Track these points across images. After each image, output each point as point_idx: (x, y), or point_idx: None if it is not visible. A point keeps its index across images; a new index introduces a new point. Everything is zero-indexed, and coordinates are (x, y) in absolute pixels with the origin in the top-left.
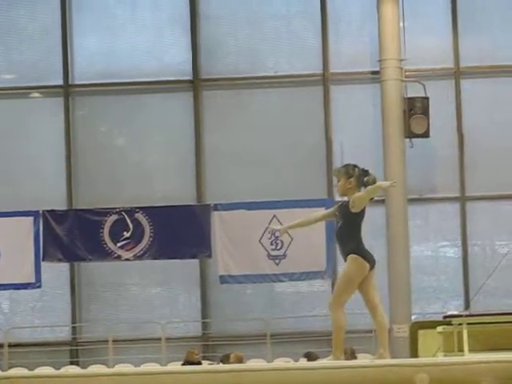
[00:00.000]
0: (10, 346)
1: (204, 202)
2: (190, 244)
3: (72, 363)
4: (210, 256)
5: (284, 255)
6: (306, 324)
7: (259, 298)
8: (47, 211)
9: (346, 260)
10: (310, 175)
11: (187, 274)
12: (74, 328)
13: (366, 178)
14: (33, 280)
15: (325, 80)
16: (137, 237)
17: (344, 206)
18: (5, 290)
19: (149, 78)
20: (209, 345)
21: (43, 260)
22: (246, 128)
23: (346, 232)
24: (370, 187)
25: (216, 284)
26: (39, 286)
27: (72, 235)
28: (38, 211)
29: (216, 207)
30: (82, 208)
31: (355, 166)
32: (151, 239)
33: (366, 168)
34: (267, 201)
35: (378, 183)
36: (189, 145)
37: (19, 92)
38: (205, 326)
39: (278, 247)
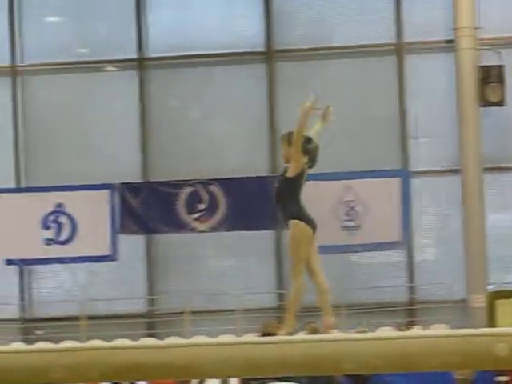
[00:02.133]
0: (87, 318)
1: (278, 173)
2: (265, 215)
3: (148, 335)
4: (283, 228)
5: (359, 226)
6: (382, 295)
7: (334, 270)
8: (122, 184)
9: (287, 225)
10: (385, 145)
11: (262, 245)
12: (150, 300)
13: (309, 146)
14: (109, 252)
15: (398, 50)
16: (211, 208)
17: (283, 172)
18: (82, 262)
19: (221, 50)
20: (284, 316)
21: (119, 232)
22: (320, 98)
23: (286, 198)
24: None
25: None
26: (115, 259)
27: (147, 208)
28: (113, 184)
29: None
30: (156, 180)
31: None
32: (226, 211)
33: (309, 136)
34: (340, 172)
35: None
36: (262, 116)
37: (93, 66)
38: (280, 297)
39: (353, 218)
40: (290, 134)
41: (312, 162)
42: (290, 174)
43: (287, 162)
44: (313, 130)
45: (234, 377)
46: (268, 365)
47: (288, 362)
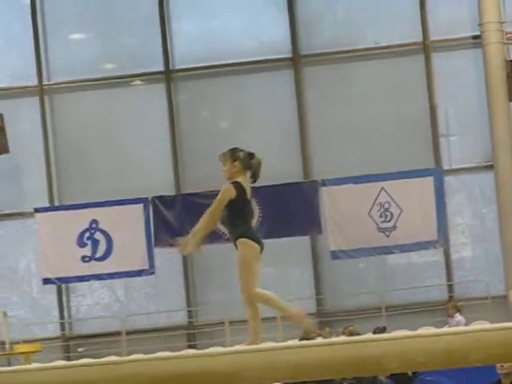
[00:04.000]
0: (128, 333)
1: (311, 179)
2: (300, 221)
3: (189, 347)
4: (320, 232)
5: (394, 227)
6: (420, 295)
7: (372, 272)
8: (156, 197)
9: (236, 246)
10: (416, 145)
11: (299, 251)
12: (189, 312)
13: (251, 161)
14: (146, 267)
15: (425, 48)
16: None
17: None
18: (119, 278)
19: (248, 58)
20: (324, 321)
21: (155, 246)
22: (349, 101)
23: (231, 217)
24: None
25: (328, 260)
26: (153, 273)
27: (182, 220)
28: (146, 198)
29: (324, 183)
30: (189, 192)
31: (240, 150)
32: (260, 219)
33: (251, 151)
34: (374, 173)
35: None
36: (292, 122)
37: (120, 81)
38: (319, 302)
39: (388, 219)
40: (231, 151)
41: (255, 176)
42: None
43: (230, 179)
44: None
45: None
46: (312, 368)
47: (332, 364)
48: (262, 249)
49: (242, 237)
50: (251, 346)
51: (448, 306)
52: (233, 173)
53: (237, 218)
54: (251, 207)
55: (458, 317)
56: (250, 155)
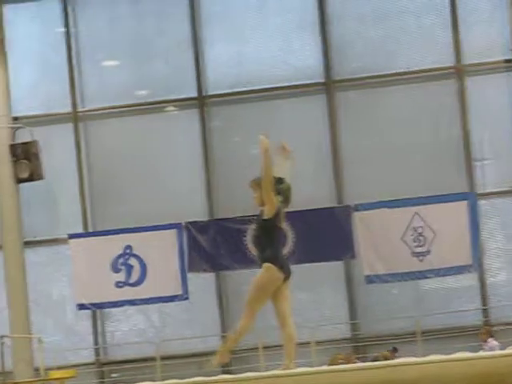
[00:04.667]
0: (162, 358)
1: (344, 203)
2: (333, 246)
3: (224, 372)
4: (353, 257)
5: (428, 251)
6: (456, 319)
7: (406, 296)
8: (189, 223)
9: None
10: (450, 169)
11: (332, 275)
12: (223, 337)
13: (281, 186)
14: (180, 292)
15: (458, 72)
16: None
17: (259, 215)
18: (153, 303)
19: (281, 83)
20: (359, 346)
21: (189, 271)
22: (382, 126)
23: (261, 240)
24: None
25: (362, 284)
26: (187, 298)
27: (215, 245)
28: (180, 223)
29: (356, 207)
30: (222, 217)
31: None
32: (294, 243)
33: (280, 176)
34: (408, 198)
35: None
36: (325, 146)
37: (153, 107)
38: (354, 327)
39: (422, 243)
40: (259, 178)
41: (286, 201)
42: (265, 216)
43: (261, 205)
44: (283, 171)
45: None
46: None
47: None
48: (287, 277)
49: (268, 261)
50: (286, 370)
51: (481, 332)
52: (262, 199)
53: (267, 241)
54: (283, 233)
55: (492, 342)
56: (280, 180)
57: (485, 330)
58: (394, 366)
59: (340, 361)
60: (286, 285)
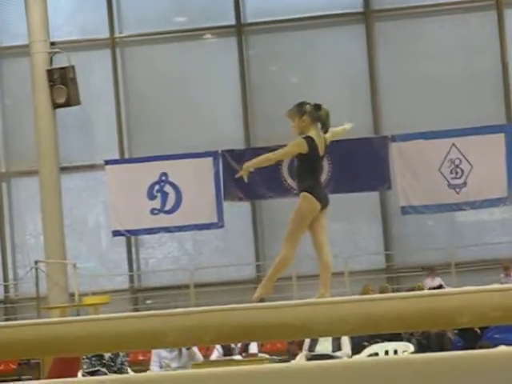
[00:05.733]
0: (196, 286)
1: (381, 134)
2: (369, 176)
3: (258, 301)
4: (389, 188)
5: (464, 183)
6: (489, 252)
7: (441, 228)
8: (226, 151)
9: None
10: (487, 101)
11: (368, 206)
12: (257, 266)
13: (319, 113)
14: (215, 220)
15: (498, 4)
16: None
17: None
18: (188, 230)
19: (319, 13)
20: (393, 277)
21: (224, 199)
22: (420, 57)
23: (300, 170)
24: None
25: (397, 215)
26: (222, 226)
27: (251, 174)
28: (217, 151)
29: (394, 138)
30: (259, 146)
31: (306, 103)
32: (330, 173)
33: (317, 103)
34: (445, 129)
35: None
36: (363, 77)
37: (191, 34)
38: (388, 257)
39: (458, 176)
40: (297, 106)
41: (325, 127)
42: (302, 151)
43: (301, 133)
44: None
45: (348, 334)
46: (382, 321)
47: (402, 317)
48: (324, 207)
49: (306, 191)
50: (321, 299)
51: (503, 265)
52: (303, 127)
53: (305, 172)
54: (321, 164)
55: None
56: (317, 107)
57: (506, 264)
58: (429, 296)
59: (370, 292)
60: (324, 214)
